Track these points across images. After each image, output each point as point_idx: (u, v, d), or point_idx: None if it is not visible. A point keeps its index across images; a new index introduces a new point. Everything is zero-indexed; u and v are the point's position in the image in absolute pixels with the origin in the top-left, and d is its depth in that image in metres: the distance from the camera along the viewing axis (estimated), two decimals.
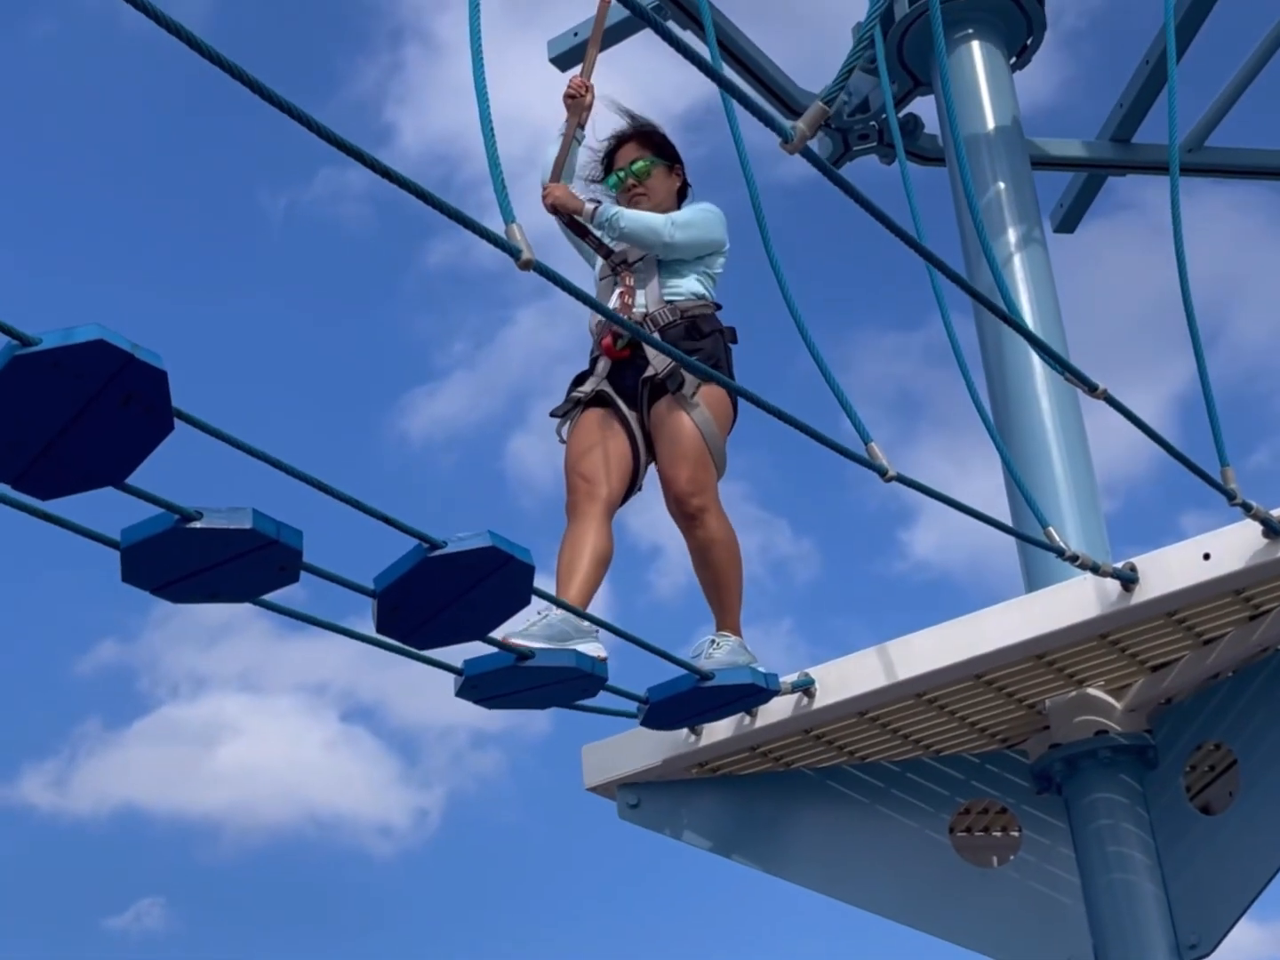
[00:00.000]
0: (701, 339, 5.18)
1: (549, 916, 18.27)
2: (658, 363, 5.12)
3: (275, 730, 19.46)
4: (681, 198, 5.73)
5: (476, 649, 4.19)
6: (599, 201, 5.45)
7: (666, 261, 5.38)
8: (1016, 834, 5.74)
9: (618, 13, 8.14)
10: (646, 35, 8.13)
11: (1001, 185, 7.27)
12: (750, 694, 4.83)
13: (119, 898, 17.96)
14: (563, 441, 5.24)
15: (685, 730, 5.59)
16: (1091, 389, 4.35)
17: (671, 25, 8.07)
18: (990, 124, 7.43)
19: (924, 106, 8.42)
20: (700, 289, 5.37)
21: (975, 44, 7.67)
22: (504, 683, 4.30)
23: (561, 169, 5.45)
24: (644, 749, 5.71)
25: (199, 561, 3.32)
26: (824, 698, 5.36)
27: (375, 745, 19.60)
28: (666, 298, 5.31)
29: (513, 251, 3.16)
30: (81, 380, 2.73)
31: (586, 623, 4.48)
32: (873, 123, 8.31)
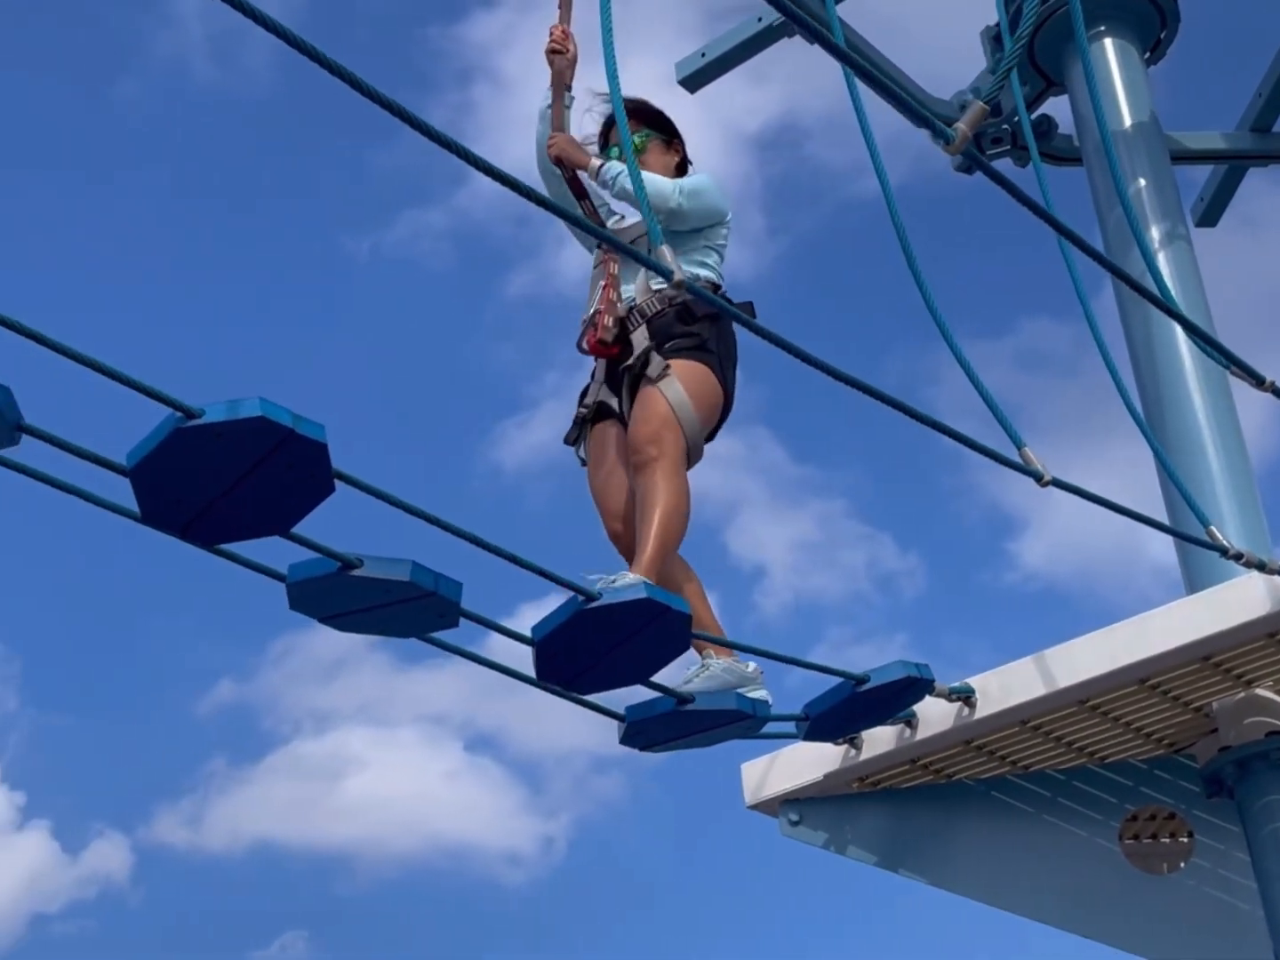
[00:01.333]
0: (694, 323, 4.79)
1: (681, 940, 18.30)
2: (637, 350, 4.79)
3: (400, 762, 19.69)
4: (681, 174, 5.29)
5: (637, 693, 4.22)
6: (607, 157, 5.08)
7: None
8: (1188, 839, 5.64)
9: (738, 34, 8.17)
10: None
11: (1142, 181, 7.16)
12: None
13: (263, 932, 18.26)
14: (584, 464, 5.00)
15: (845, 745, 5.56)
16: (1259, 382, 4.28)
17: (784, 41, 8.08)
18: (1128, 120, 7.33)
19: (1054, 107, 8.33)
20: (695, 270, 4.95)
21: (1109, 41, 7.57)
22: (666, 727, 4.32)
23: (559, 128, 5.12)
24: (803, 764, 5.68)
25: (361, 602, 3.41)
26: (985, 708, 5.30)
27: (498, 774, 19.77)
28: (655, 286, 4.92)
29: (665, 274, 3.25)
30: (244, 450, 2.81)
31: (751, 667, 4.44)
32: (1005, 126, 8.23)
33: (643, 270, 4.92)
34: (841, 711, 4.67)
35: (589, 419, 4.97)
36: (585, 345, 4.93)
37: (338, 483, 3.07)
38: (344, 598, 3.40)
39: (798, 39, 7.94)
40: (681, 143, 5.34)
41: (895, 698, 4.81)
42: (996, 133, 8.24)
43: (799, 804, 5.74)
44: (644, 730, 4.29)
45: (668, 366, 4.69)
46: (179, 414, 2.84)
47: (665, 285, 4.68)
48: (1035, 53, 7.77)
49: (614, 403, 4.90)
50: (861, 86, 3.89)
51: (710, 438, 4.90)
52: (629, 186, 4.75)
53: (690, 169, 5.33)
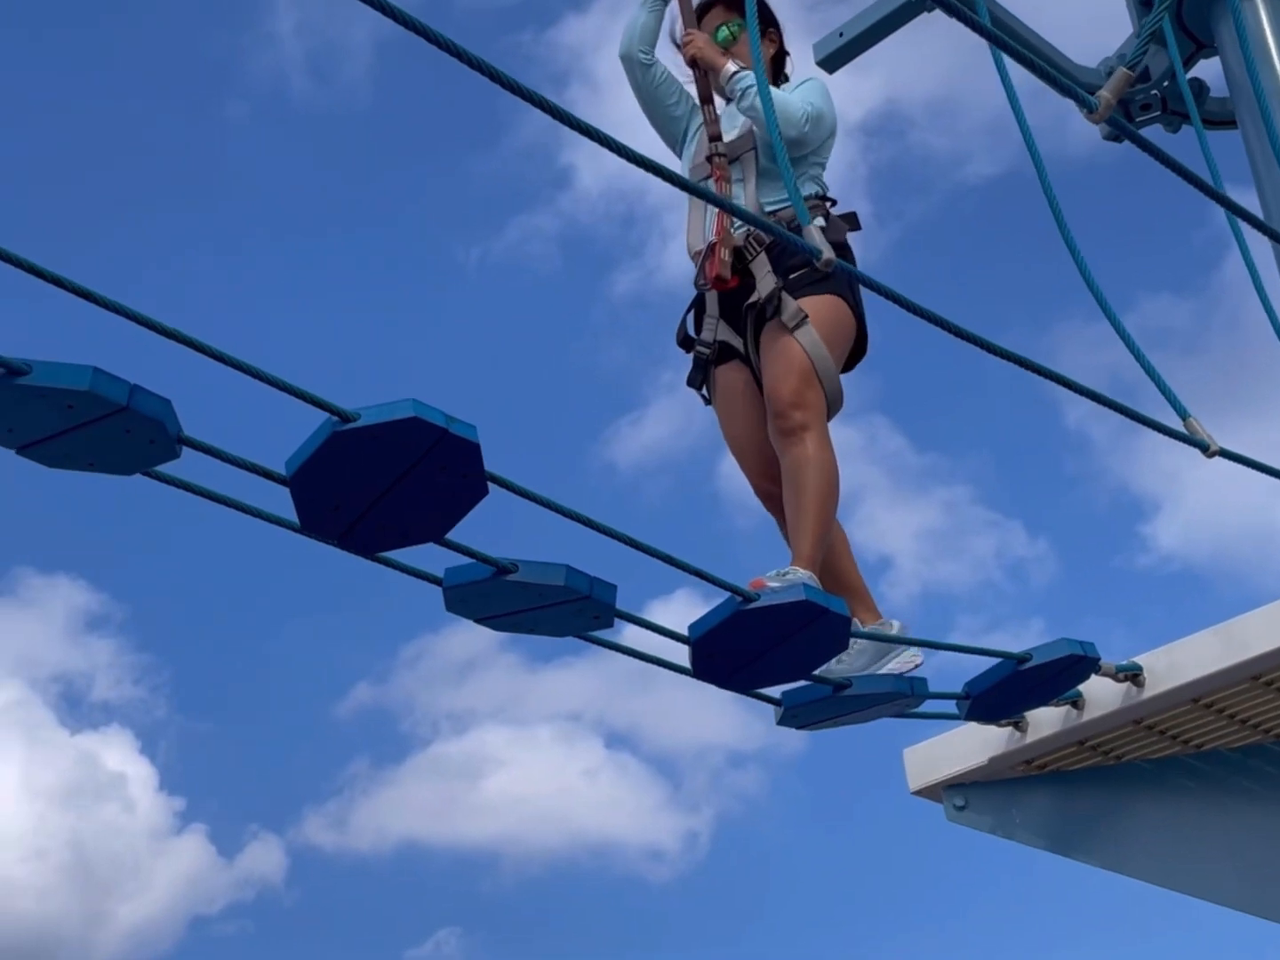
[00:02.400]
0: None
1: (831, 933, 18.24)
2: (763, 287, 4.54)
3: (538, 760, 19.89)
4: (779, 67, 5.10)
5: None
6: (743, 66, 4.79)
7: (765, 161, 4.71)
8: None
9: (875, 11, 8.06)
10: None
11: None
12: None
13: (417, 929, 18.55)
14: (708, 403, 4.78)
15: (1010, 728, 5.48)
16: None
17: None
18: None
19: (1203, 70, 8.12)
20: (812, 189, 4.72)
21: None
22: (824, 709, 4.31)
23: (689, 24, 4.89)
24: (967, 749, 5.61)
25: (516, 605, 3.44)
26: (1154, 686, 5.18)
27: (637, 770, 19.86)
28: (768, 208, 4.64)
29: (814, 253, 3.23)
30: (399, 452, 2.84)
31: (896, 625, 4.40)
32: (1154, 92, 8.03)
33: (753, 189, 4.64)
34: (1004, 690, 4.60)
35: (714, 360, 4.73)
36: (704, 282, 4.67)
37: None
38: (499, 601, 3.43)
39: (931, 16, 7.83)
40: (778, 31, 5.08)
41: (1059, 677, 4.73)
42: (1145, 99, 8.06)
43: (964, 789, 5.67)
44: (801, 713, 4.29)
45: (805, 315, 4.45)
46: (335, 418, 2.87)
47: (783, 207, 4.59)
48: (1183, 14, 7.58)
49: (737, 342, 4.67)
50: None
51: (848, 368, 4.72)
52: (758, 105, 4.51)
53: (788, 62, 5.10)
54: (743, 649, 3.79)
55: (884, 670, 4.35)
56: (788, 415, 4.38)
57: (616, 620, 3.61)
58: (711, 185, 4.61)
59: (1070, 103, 2.98)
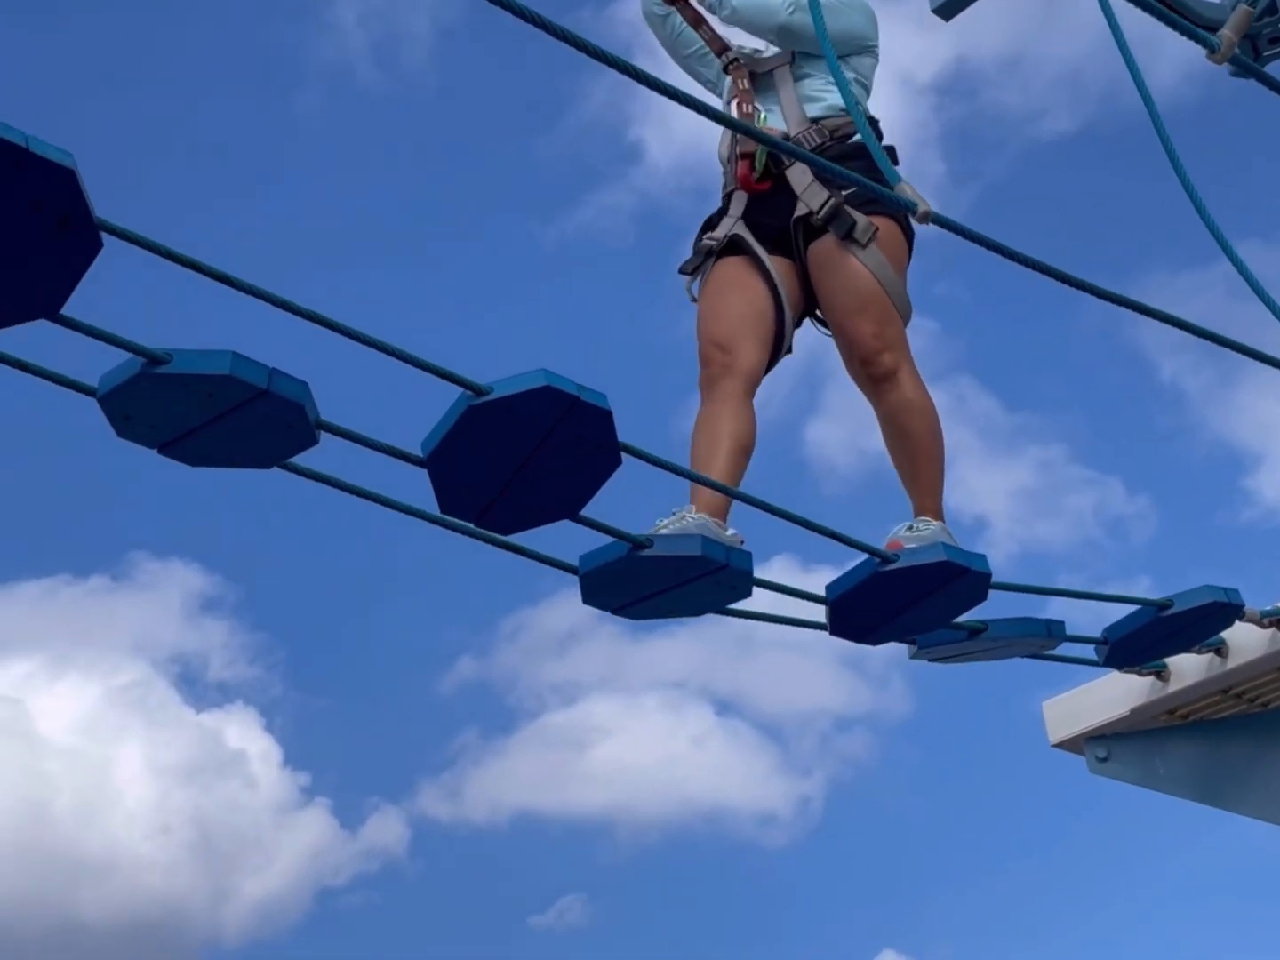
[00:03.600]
0: (868, 159, 4.03)
1: (948, 897, 18.20)
2: (810, 198, 4.17)
3: (645, 728, 19.97)
4: None
5: None
6: None
7: (803, 69, 4.37)
8: None
9: None
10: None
11: None
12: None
13: (540, 897, 18.76)
14: (694, 300, 4.35)
15: (1151, 677, 5.41)
16: None
17: None
18: None
19: None
20: (837, 100, 4.31)
21: None
22: (959, 648, 4.30)
23: None
24: (1108, 699, 5.55)
25: (653, 585, 3.41)
26: None
27: (744, 736, 19.86)
28: (811, 114, 4.30)
29: (910, 207, 3.20)
30: (533, 424, 2.83)
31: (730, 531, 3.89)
32: None
33: (793, 93, 4.33)
34: (1144, 636, 4.54)
35: (719, 252, 4.30)
36: (734, 186, 4.31)
37: None
38: (635, 583, 3.41)
39: None
40: None
41: (1201, 623, 4.64)
42: (1274, 32, 7.85)
43: (1106, 740, 5.61)
44: (935, 649, 4.31)
45: (876, 229, 4.13)
46: (468, 393, 2.88)
47: (826, 113, 4.30)
48: None
49: (753, 243, 4.25)
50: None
51: None
52: (739, 7, 4.29)
53: None
54: (880, 607, 3.77)
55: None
56: (876, 361, 4.09)
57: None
58: (735, 107, 4.32)
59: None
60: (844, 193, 4.14)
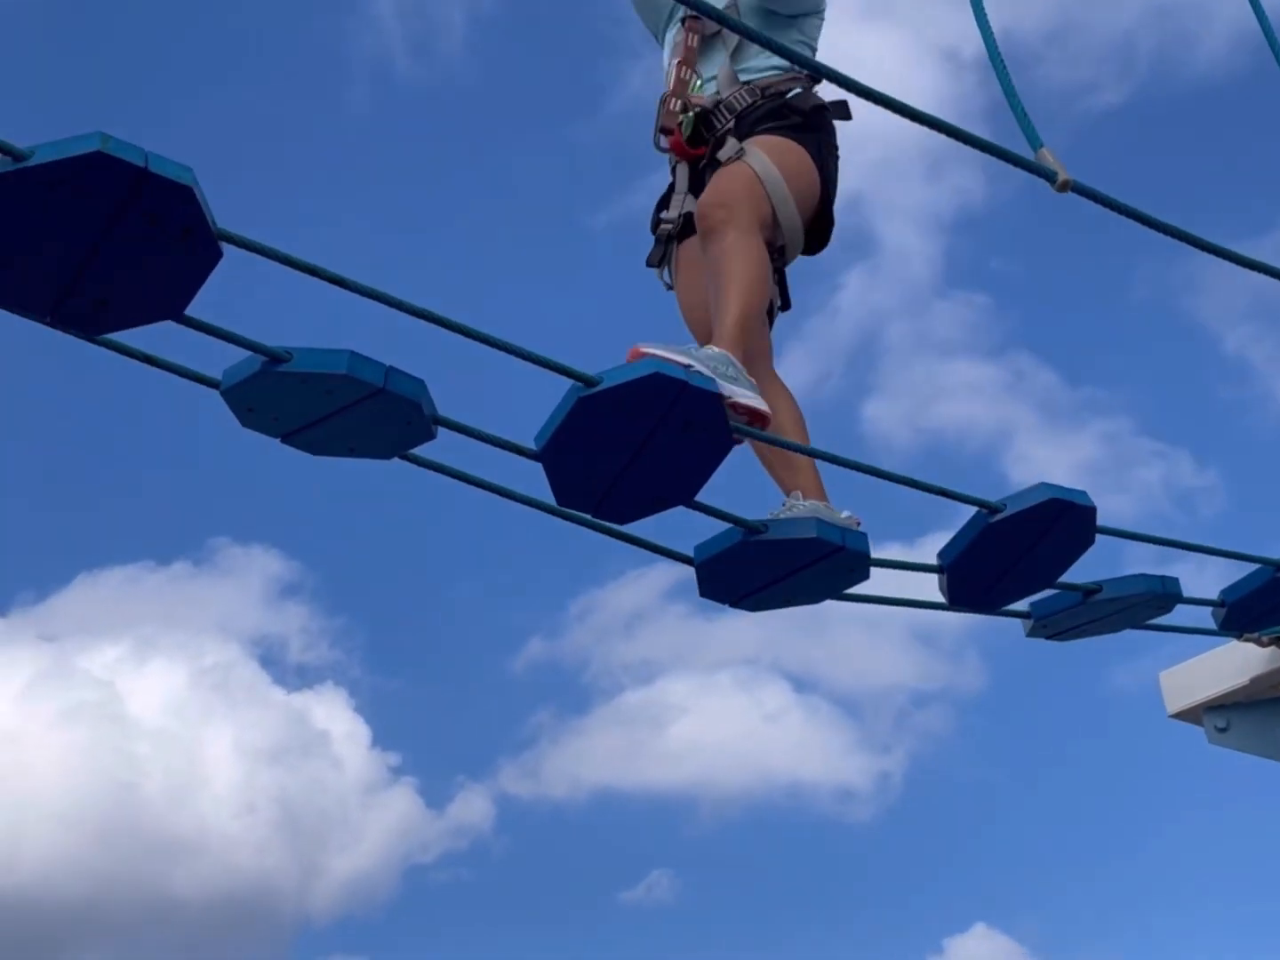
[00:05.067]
0: (792, 116, 4.03)
1: (1037, 871, 18.17)
2: (728, 149, 3.97)
3: (721, 705, 20.05)
4: None
5: None
6: None
7: (744, 38, 4.16)
8: None
9: None
10: None
11: None
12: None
13: (628, 873, 19.02)
14: (669, 288, 4.22)
15: (1272, 646, 5.35)
16: None
17: None
18: None
19: None
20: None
21: None
22: (1074, 617, 4.27)
23: None
24: (1227, 669, 5.50)
25: (769, 574, 3.43)
26: None
27: (821, 712, 19.85)
28: (744, 77, 4.13)
29: (1048, 175, 3.14)
30: (643, 412, 2.86)
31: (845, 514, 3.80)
32: None
33: (727, 56, 4.15)
34: (1263, 597, 4.47)
35: (674, 235, 4.17)
36: (665, 144, 4.15)
37: None
38: (750, 570, 3.43)
39: None
40: None
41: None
42: None
43: (1225, 710, 5.56)
44: (1051, 622, 4.28)
45: (742, 149, 3.93)
46: (579, 384, 2.92)
47: (759, 75, 4.14)
48: None
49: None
50: None
51: (814, 248, 4.14)
52: None
53: None
54: (994, 565, 3.76)
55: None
56: (710, 215, 3.80)
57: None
58: (675, 67, 4.19)
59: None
60: (729, 126, 4.04)
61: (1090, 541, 3.86)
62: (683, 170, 4.16)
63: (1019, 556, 3.73)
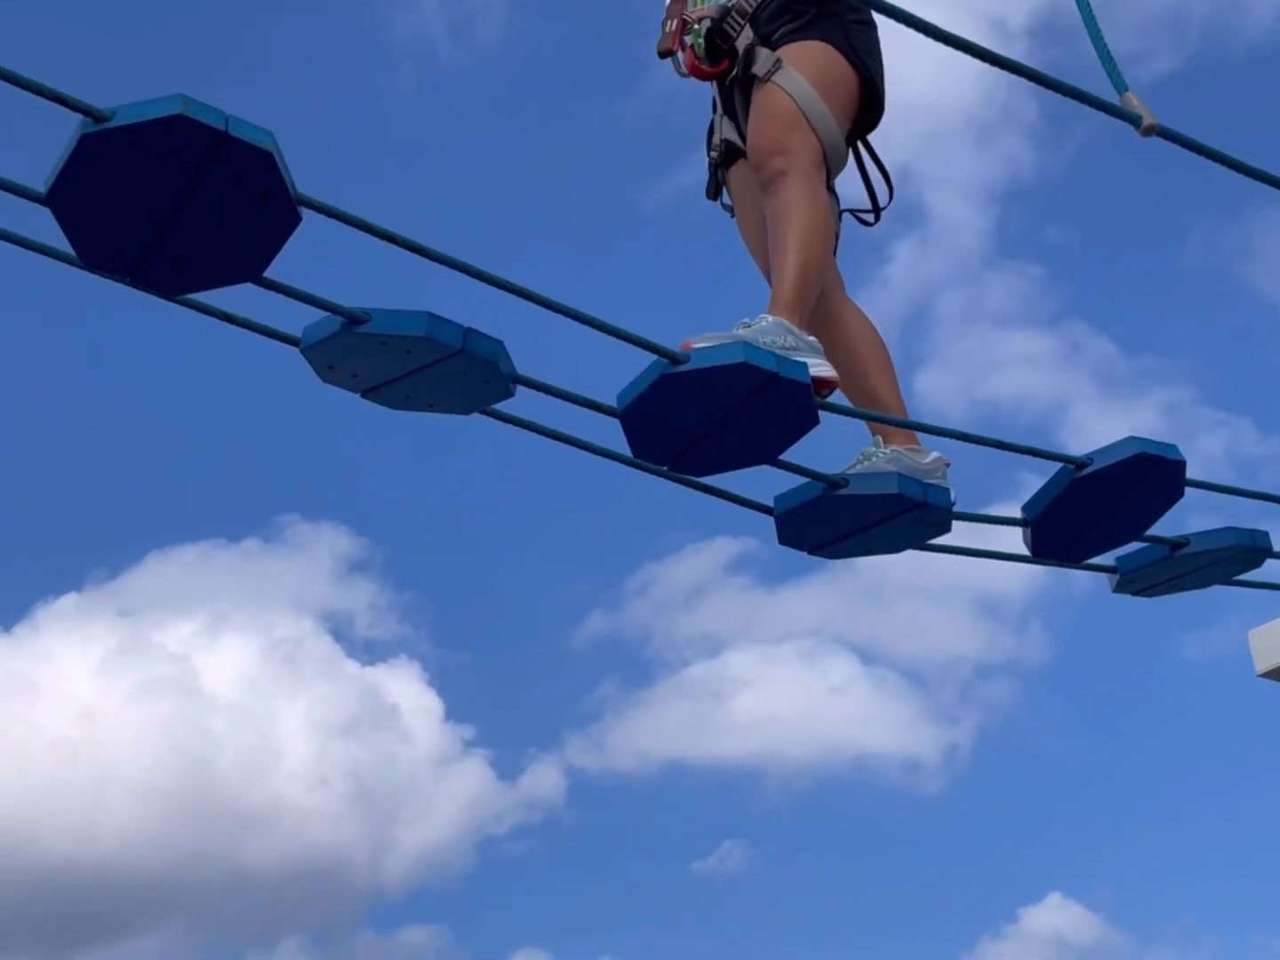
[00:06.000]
0: (807, 8, 3.85)
1: (1108, 841, 18.13)
2: (762, 62, 3.83)
3: (786, 677, 20.05)
4: None
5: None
6: None
7: None
8: None
9: None
10: None
11: None
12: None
13: (700, 843, 19.11)
14: (733, 214, 4.11)
15: None
16: None
17: None
18: None
19: None
20: None
21: None
22: (1161, 572, 4.23)
23: None
24: None
25: (849, 525, 3.42)
26: None
27: (885, 683, 19.83)
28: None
29: (1133, 120, 3.10)
30: (727, 393, 2.87)
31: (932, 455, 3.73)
32: None
33: None
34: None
35: (720, 163, 4.07)
36: (683, 68, 3.96)
37: None
38: (831, 523, 3.42)
39: None
40: None
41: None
42: None
43: None
44: (1137, 577, 4.25)
45: (779, 60, 3.78)
46: (664, 360, 2.92)
47: None
48: None
49: (736, 137, 3.99)
50: None
51: (859, 136, 4.02)
52: None
53: None
54: (1079, 517, 3.73)
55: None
56: (767, 164, 3.71)
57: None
58: None
59: None
60: (757, 35, 3.86)
61: (1179, 495, 3.83)
62: (715, 90, 4.04)
63: (1105, 510, 3.70)
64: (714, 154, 4.06)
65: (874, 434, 3.70)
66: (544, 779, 18.63)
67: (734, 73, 3.87)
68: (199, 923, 19.04)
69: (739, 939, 18.02)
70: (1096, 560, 4.10)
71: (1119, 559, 4.21)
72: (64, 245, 2.64)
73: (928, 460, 3.66)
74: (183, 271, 2.63)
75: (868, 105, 3.95)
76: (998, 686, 19.66)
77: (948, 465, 3.68)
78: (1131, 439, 3.63)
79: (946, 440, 3.58)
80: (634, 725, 19.41)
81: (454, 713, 19.52)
